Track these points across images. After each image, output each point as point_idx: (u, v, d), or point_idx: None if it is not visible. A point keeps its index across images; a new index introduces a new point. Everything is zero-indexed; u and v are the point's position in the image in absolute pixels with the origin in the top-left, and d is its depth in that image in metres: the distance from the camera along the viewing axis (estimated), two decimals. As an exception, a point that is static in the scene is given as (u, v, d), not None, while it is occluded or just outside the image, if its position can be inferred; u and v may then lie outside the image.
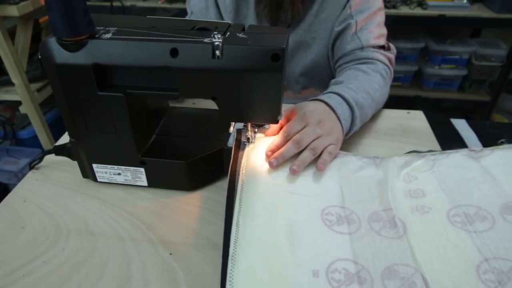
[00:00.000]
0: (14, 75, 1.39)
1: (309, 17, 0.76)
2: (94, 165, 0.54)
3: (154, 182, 0.55)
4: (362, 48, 0.73)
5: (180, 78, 0.45)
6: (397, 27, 1.53)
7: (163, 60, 0.43)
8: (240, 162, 0.52)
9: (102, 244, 0.47)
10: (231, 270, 0.39)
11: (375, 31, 0.74)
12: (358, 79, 0.66)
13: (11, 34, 1.38)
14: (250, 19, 0.79)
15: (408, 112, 0.73)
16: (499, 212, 0.46)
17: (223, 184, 0.56)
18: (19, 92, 1.44)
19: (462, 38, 1.84)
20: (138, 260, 0.45)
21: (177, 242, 0.48)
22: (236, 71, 0.44)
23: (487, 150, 0.55)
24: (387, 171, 0.53)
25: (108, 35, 0.44)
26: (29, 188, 0.57)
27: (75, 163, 0.56)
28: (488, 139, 0.66)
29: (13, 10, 1.29)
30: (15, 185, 0.58)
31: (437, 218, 0.46)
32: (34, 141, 1.63)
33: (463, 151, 0.55)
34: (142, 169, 0.54)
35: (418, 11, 1.63)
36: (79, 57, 0.44)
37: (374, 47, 0.73)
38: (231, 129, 0.55)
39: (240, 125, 0.57)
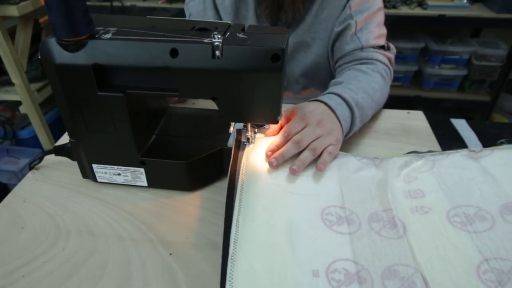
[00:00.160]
0: (14, 75, 1.39)
1: (309, 17, 0.76)
2: (94, 165, 0.54)
3: (154, 182, 0.55)
4: (362, 49, 0.73)
5: (180, 78, 0.45)
6: (397, 27, 1.52)
7: (163, 60, 0.43)
8: (240, 162, 0.52)
9: (102, 244, 0.47)
10: (231, 270, 0.39)
11: (375, 31, 0.74)
12: (358, 80, 0.66)
13: (11, 34, 1.38)
14: (250, 20, 0.79)
15: (408, 112, 0.73)
16: (498, 212, 0.46)
17: (223, 184, 0.56)
18: (19, 92, 1.44)
19: (462, 38, 1.84)
20: (138, 260, 0.45)
21: (177, 242, 0.48)
22: (236, 71, 0.44)
23: (487, 151, 0.55)
24: (387, 171, 0.53)
25: (108, 35, 0.44)
26: (29, 188, 0.57)
27: (75, 163, 0.56)
28: (488, 139, 0.66)
29: (13, 10, 1.29)
30: (15, 185, 0.58)
31: (437, 219, 0.46)
32: (34, 141, 1.63)
33: (463, 151, 0.55)
34: (142, 169, 0.54)
35: (418, 11, 1.63)
36: (79, 57, 0.44)
37: (374, 47, 0.73)
38: (231, 129, 0.55)
39: (240, 125, 0.57)
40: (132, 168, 0.54)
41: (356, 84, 0.64)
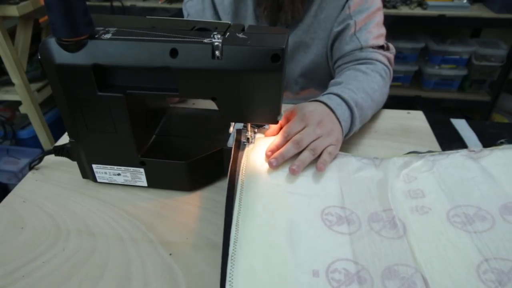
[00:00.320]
0: (14, 75, 1.39)
1: (308, 17, 0.76)
2: (94, 166, 0.54)
3: (154, 182, 0.55)
4: (361, 49, 0.73)
5: (180, 78, 0.45)
6: (397, 27, 1.53)
7: (163, 61, 0.43)
8: (240, 162, 0.52)
9: (102, 244, 0.47)
10: (230, 270, 0.39)
11: (374, 31, 0.74)
12: (357, 80, 0.66)
13: (11, 34, 1.38)
14: (249, 20, 0.79)
15: (408, 112, 0.73)
16: (498, 212, 0.46)
17: (223, 184, 0.56)
18: (19, 92, 1.44)
19: (462, 38, 1.84)
20: (138, 260, 0.45)
21: (177, 242, 0.48)
22: (236, 72, 0.44)
23: (487, 151, 0.55)
24: (387, 171, 0.53)
25: (108, 35, 0.44)
26: (29, 188, 0.57)
27: (75, 163, 0.56)
28: (488, 139, 0.66)
29: (13, 10, 1.29)
30: (15, 185, 0.58)
31: (437, 219, 0.46)
32: (34, 141, 1.63)
33: (463, 151, 0.55)
34: (142, 170, 0.54)
35: (418, 11, 1.63)
36: (79, 58, 0.44)
37: (373, 47, 0.73)
38: (231, 129, 0.55)
39: (240, 125, 0.57)
40: (132, 168, 0.54)
41: (355, 84, 0.64)
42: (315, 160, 0.53)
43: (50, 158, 0.60)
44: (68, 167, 0.59)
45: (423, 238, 0.44)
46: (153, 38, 0.44)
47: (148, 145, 0.55)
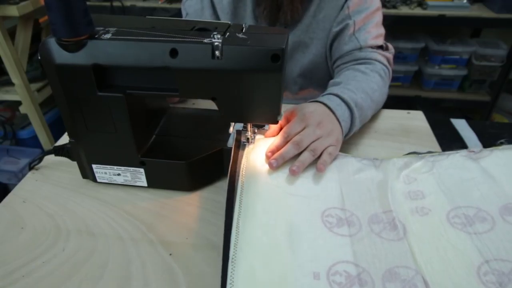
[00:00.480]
0: (14, 75, 1.39)
1: (307, 17, 0.76)
2: (94, 166, 0.54)
3: (154, 182, 0.55)
4: (360, 49, 0.73)
5: (180, 78, 0.45)
6: (397, 27, 1.53)
7: (162, 61, 0.43)
8: (240, 163, 0.52)
9: (102, 244, 0.47)
10: (231, 273, 0.39)
11: (373, 31, 0.73)
12: (357, 80, 0.66)
13: (11, 34, 1.38)
14: (248, 20, 0.79)
15: (408, 112, 0.73)
16: (499, 213, 0.45)
17: (223, 184, 0.56)
18: (19, 92, 1.44)
19: (462, 38, 1.84)
20: (138, 260, 0.45)
21: (177, 243, 0.48)
22: (236, 72, 0.44)
23: (487, 151, 0.54)
24: (387, 172, 0.53)
25: (108, 36, 0.44)
26: (29, 188, 0.57)
27: (75, 163, 0.56)
28: (488, 139, 0.66)
29: (13, 10, 1.29)
30: (15, 185, 0.58)
31: (437, 220, 0.46)
32: (34, 141, 1.63)
33: (463, 152, 0.55)
34: (142, 170, 0.54)
35: (418, 11, 1.63)
36: (79, 58, 0.44)
37: (372, 47, 0.73)
38: (231, 129, 0.55)
39: (240, 125, 0.57)
40: (132, 168, 0.54)
41: (355, 85, 0.64)
42: (315, 161, 0.53)
43: (50, 158, 0.60)
44: (68, 167, 0.59)
45: (423, 240, 0.43)
46: (153, 38, 0.44)
47: (148, 145, 0.55)
